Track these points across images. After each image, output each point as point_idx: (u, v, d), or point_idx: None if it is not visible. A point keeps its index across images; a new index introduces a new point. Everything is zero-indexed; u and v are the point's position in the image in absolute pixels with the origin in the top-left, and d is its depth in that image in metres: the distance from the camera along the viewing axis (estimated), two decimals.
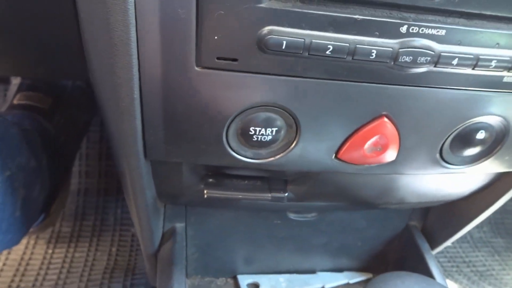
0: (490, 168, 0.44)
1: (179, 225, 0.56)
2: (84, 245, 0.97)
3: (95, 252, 0.95)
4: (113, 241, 0.98)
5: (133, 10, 0.29)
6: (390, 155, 0.40)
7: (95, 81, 0.38)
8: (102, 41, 0.31)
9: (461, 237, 1.16)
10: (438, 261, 1.08)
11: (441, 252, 1.10)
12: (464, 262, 1.10)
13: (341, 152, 0.39)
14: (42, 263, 0.92)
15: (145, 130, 0.36)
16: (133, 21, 0.29)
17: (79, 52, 0.41)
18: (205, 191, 0.43)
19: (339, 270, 0.62)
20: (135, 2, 0.28)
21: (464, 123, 0.38)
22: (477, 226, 1.20)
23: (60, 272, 0.91)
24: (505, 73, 0.34)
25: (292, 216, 0.59)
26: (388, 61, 0.32)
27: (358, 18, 0.30)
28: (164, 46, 0.31)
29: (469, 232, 1.18)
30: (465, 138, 0.40)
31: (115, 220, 1.02)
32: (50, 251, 0.95)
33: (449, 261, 1.08)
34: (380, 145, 0.38)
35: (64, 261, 0.94)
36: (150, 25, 0.29)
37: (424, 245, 0.64)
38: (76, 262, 0.94)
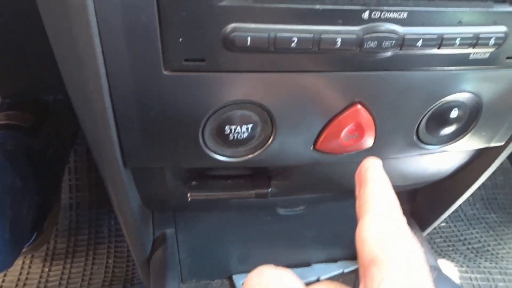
0: (468, 145, 0.45)
1: (169, 231, 0.56)
2: (80, 260, 0.97)
3: (91, 266, 0.95)
4: (109, 253, 0.97)
5: (95, 21, 0.28)
6: (368, 141, 0.40)
7: (69, 93, 0.38)
8: (68, 54, 0.31)
9: (455, 216, 1.18)
10: (434, 242, 1.09)
11: (436, 232, 1.12)
12: (460, 240, 1.11)
13: (319, 142, 0.39)
14: (39, 282, 0.92)
15: (121, 138, 0.36)
16: (96, 32, 0.29)
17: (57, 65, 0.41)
18: (188, 194, 0.43)
19: (334, 260, 0.62)
20: (96, 12, 0.28)
21: (437, 102, 0.39)
22: (469, 203, 1.22)
23: None
24: (470, 49, 0.35)
25: (281, 211, 0.59)
26: (354, 48, 0.32)
27: (319, 8, 0.30)
28: (131, 53, 0.30)
29: (462, 210, 1.20)
30: (439, 118, 0.40)
31: (110, 232, 1.01)
32: (46, 269, 0.94)
33: (444, 241, 1.10)
34: (356, 133, 0.39)
35: (61, 278, 0.93)
36: (114, 34, 0.29)
37: (414, 228, 0.65)
38: (74, 277, 0.93)
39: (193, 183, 0.43)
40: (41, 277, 0.93)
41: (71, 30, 0.29)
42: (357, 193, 0.33)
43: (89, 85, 0.32)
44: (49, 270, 0.94)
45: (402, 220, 0.29)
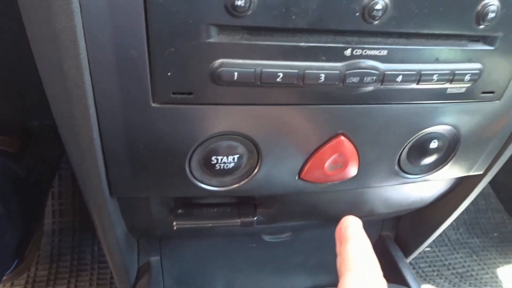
0: (449, 174, 0.46)
1: (154, 259, 0.55)
2: (61, 287, 0.94)
3: None
4: (92, 280, 0.95)
5: (85, 55, 0.29)
6: (351, 171, 0.41)
7: (56, 123, 0.39)
8: (58, 86, 0.31)
9: (439, 240, 1.19)
10: (419, 267, 1.10)
11: (421, 257, 1.12)
12: (444, 265, 1.12)
13: (304, 172, 0.40)
14: None
15: (109, 168, 0.36)
16: (86, 65, 0.30)
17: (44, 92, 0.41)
18: (174, 223, 0.43)
19: (319, 287, 0.62)
20: (86, 47, 0.29)
21: (417, 134, 0.40)
22: (453, 228, 1.24)
23: None
24: (447, 85, 0.36)
25: (266, 238, 0.60)
26: (337, 83, 0.34)
27: (303, 45, 0.32)
28: (120, 86, 0.31)
29: (446, 235, 1.21)
30: (420, 148, 0.42)
31: (93, 258, 0.99)
32: None
33: (429, 266, 1.10)
34: (340, 163, 0.40)
35: None
36: (104, 68, 0.30)
37: (398, 254, 0.66)
38: None
39: (179, 211, 0.44)
40: None
41: (61, 64, 0.30)
42: (337, 249, 0.34)
43: (78, 117, 0.32)
44: None
45: (381, 280, 0.30)
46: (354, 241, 0.33)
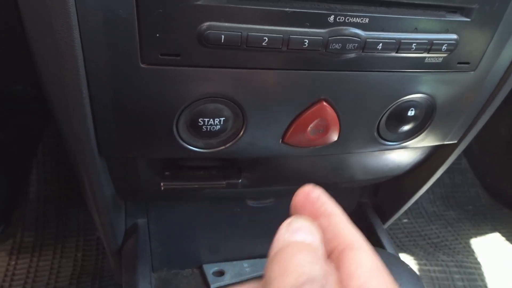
0: (424, 142, 0.49)
1: (141, 221, 0.57)
2: (48, 253, 0.96)
3: (60, 259, 0.94)
4: (78, 246, 0.97)
5: (75, 13, 0.30)
6: (332, 136, 0.43)
7: (43, 83, 0.39)
8: (47, 44, 0.32)
9: (417, 212, 1.24)
10: (397, 237, 1.14)
11: (399, 228, 1.17)
12: (420, 235, 1.16)
13: (287, 136, 0.41)
14: (6, 275, 0.90)
15: (97, 128, 0.37)
16: (76, 23, 0.30)
17: (27, 56, 0.42)
18: (161, 184, 0.44)
19: None
20: (76, 5, 0.30)
21: (395, 102, 0.42)
22: (430, 201, 1.28)
23: (25, 282, 0.90)
24: (425, 54, 0.38)
25: (251, 203, 0.62)
26: (320, 48, 0.35)
27: (288, 10, 0.33)
28: (109, 46, 0.32)
29: (423, 207, 1.26)
30: (398, 116, 0.44)
31: (79, 225, 1.01)
32: (13, 262, 0.93)
33: (406, 236, 1.15)
34: (322, 127, 0.41)
35: (28, 271, 0.92)
36: (93, 27, 0.31)
37: (375, 220, 0.69)
38: (41, 271, 0.92)
39: (166, 173, 0.45)
40: (7, 270, 0.91)
41: (50, 22, 0.30)
42: (308, 219, 0.25)
43: (67, 75, 0.33)
44: (16, 263, 0.93)
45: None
46: (340, 215, 0.26)
